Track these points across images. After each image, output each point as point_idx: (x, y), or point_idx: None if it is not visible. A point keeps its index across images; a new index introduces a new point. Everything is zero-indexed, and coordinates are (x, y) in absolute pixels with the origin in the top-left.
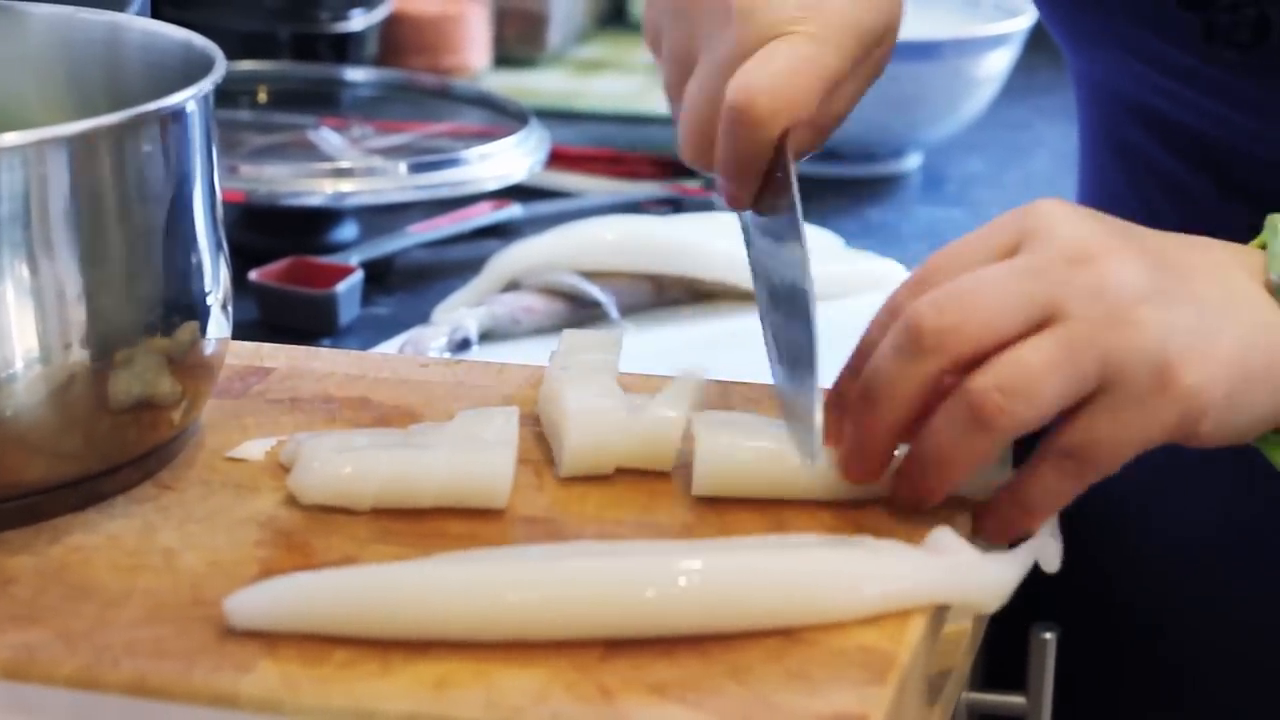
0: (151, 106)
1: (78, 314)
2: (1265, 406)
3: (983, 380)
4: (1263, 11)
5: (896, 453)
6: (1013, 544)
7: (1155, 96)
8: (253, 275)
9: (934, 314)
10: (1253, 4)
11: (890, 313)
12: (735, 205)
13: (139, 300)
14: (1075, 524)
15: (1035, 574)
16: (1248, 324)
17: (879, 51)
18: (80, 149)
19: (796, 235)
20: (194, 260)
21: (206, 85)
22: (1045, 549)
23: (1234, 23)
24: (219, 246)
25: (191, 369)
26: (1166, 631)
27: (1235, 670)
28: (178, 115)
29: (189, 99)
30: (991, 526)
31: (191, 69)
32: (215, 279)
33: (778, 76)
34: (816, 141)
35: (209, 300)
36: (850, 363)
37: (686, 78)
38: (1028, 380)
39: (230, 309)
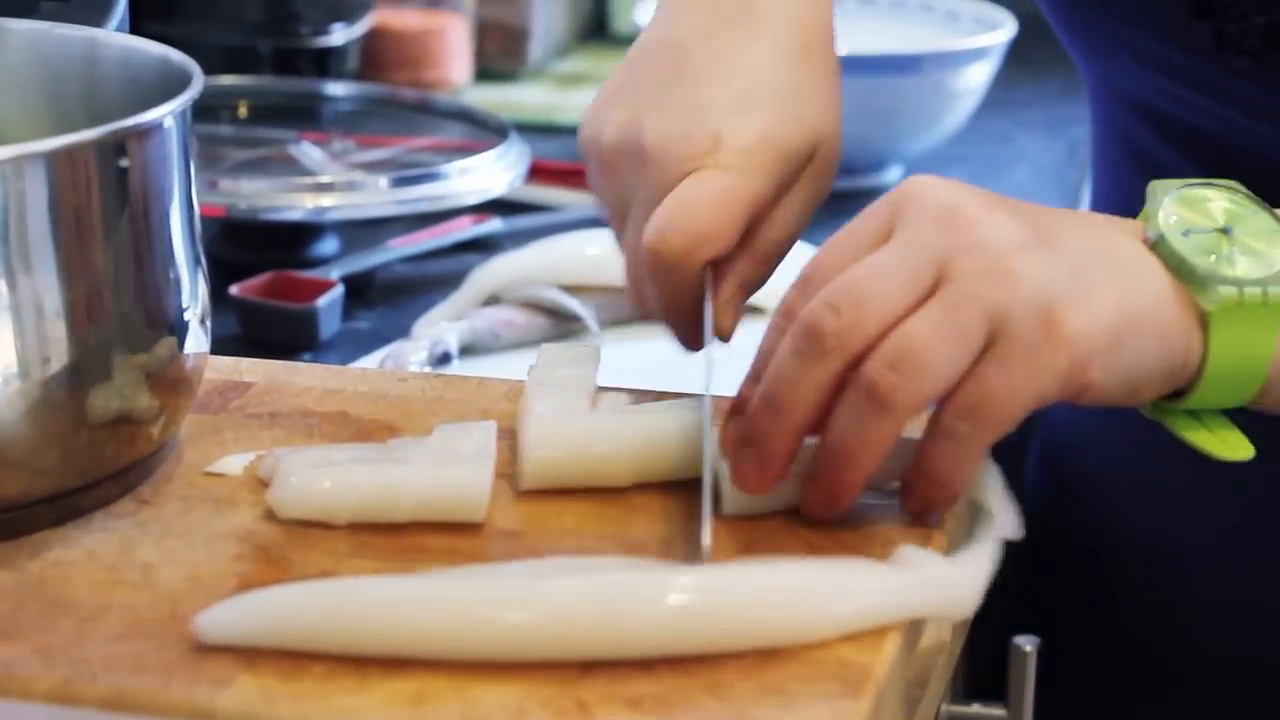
0: (129, 122)
1: (56, 329)
2: (1153, 358)
3: (873, 362)
4: (1272, 19)
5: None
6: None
7: (1168, 103)
8: (233, 290)
9: (830, 314)
10: (1262, 12)
11: (784, 315)
12: (686, 348)
13: (117, 316)
14: (1055, 535)
15: (1016, 585)
16: (1128, 275)
17: (815, 167)
18: (58, 164)
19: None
20: (172, 275)
21: (184, 101)
22: (1003, 524)
23: (1244, 31)
24: (197, 261)
25: (170, 384)
26: (1146, 642)
27: (1216, 680)
28: (155, 131)
29: (166, 115)
30: (913, 506)
31: (169, 84)
32: (194, 294)
33: (687, 211)
34: (762, 272)
35: (187, 315)
36: (750, 371)
37: (623, 227)
38: (916, 351)
39: (209, 324)
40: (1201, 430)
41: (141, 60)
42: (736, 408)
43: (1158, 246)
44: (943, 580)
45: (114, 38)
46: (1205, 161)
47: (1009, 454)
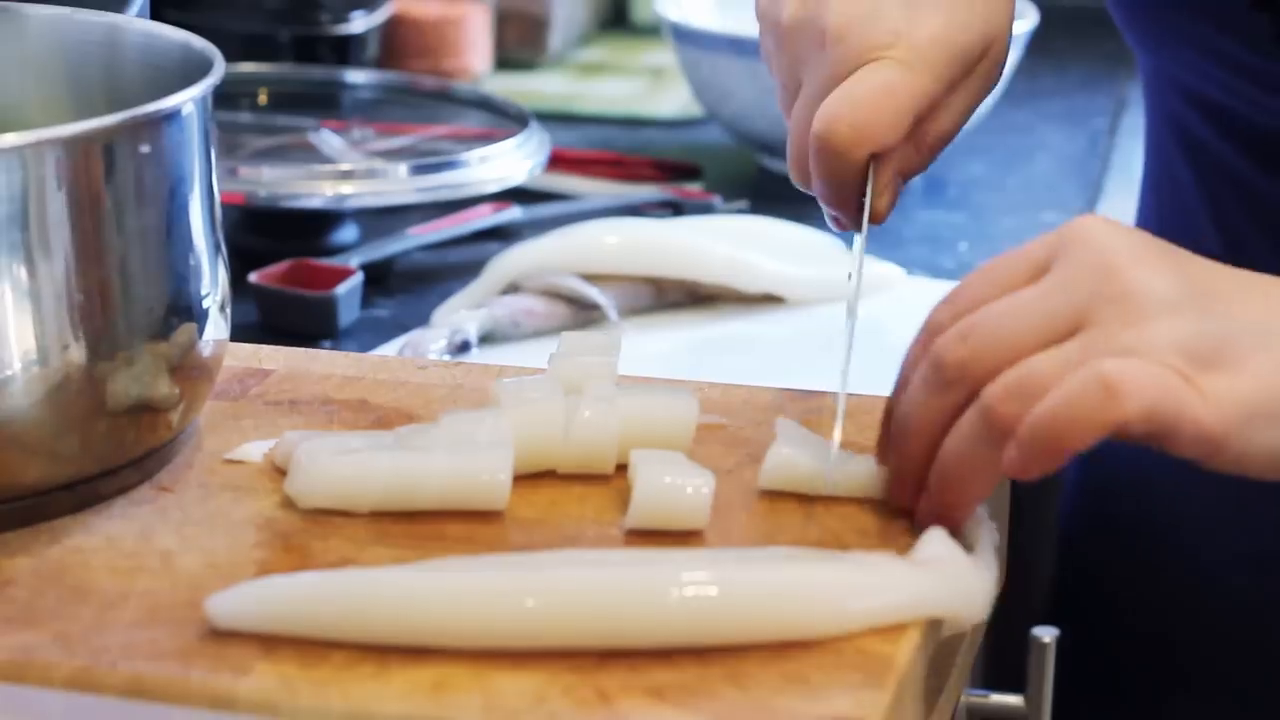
0: (149, 108)
1: (75, 316)
2: None
3: (993, 389)
4: None
5: None
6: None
7: (1225, 95)
8: (252, 277)
9: (959, 344)
10: None
11: (927, 331)
12: (836, 226)
13: (137, 302)
14: (1074, 527)
15: (1035, 577)
16: None
17: (984, 65)
18: (78, 151)
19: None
20: (192, 262)
21: (205, 87)
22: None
23: None
24: (217, 248)
25: (190, 371)
26: (1165, 633)
27: (1234, 673)
28: (175, 117)
29: (187, 101)
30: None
31: (190, 70)
32: (214, 281)
33: (860, 104)
34: (922, 162)
35: (207, 302)
36: (898, 379)
37: (793, 101)
38: (1037, 381)
39: (229, 311)
40: None
41: (162, 46)
42: (886, 415)
43: None
44: (963, 579)
45: (135, 23)
46: (1261, 155)
47: None
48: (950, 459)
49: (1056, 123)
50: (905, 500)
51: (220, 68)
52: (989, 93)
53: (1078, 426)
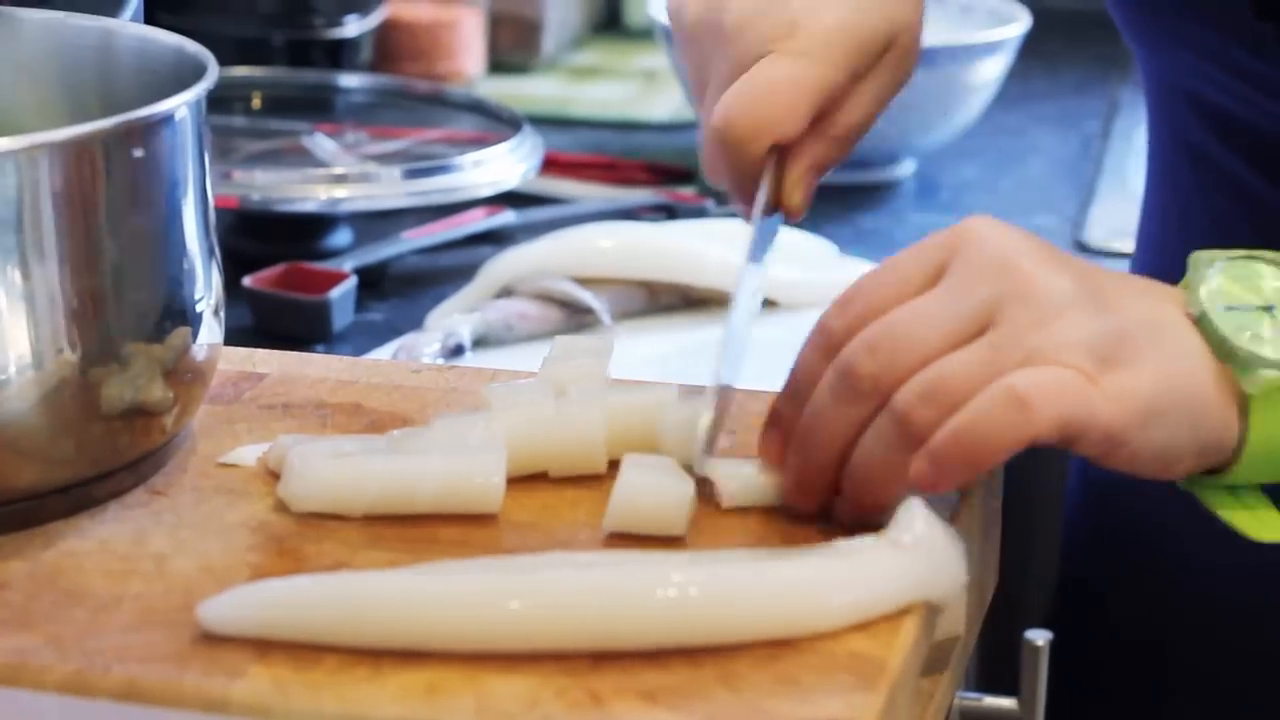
0: (143, 113)
1: (70, 319)
2: (1188, 435)
3: (905, 396)
4: None
5: None
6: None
7: (1228, 100)
8: (246, 281)
9: (868, 356)
10: None
11: (822, 335)
12: (746, 218)
13: (131, 306)
14: (1076, 532)
15: (1028, 579)
16: (1173, 348)
17: (891, 55)
18: (72, 155)
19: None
20: (186, 266)
21: (198, 91)
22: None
23: None
24: (211, 252)
25: (184, 375)
26: (1158, 636)
27: (1227, 677)
28: (169, 121)
29: (181, 105)
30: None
31: (184, 75)
32: (207, 285)
33: (756, 97)
34: (835, 154)
35: (201, 306)
36: (786, 385)
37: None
38: (950, 386)
39: (223, 315)
40: (1238, 508)
41: (156, 50)
42: (772, 419)
43: (1200, 323)
44: (945, 557)
45: (128, 28)
46: (1264, 161)
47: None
48: (863, 465)
49: (1049, 125)
50: (809, 507)
51: (214, 72)
52: (901, 84)
53: (992, 443)
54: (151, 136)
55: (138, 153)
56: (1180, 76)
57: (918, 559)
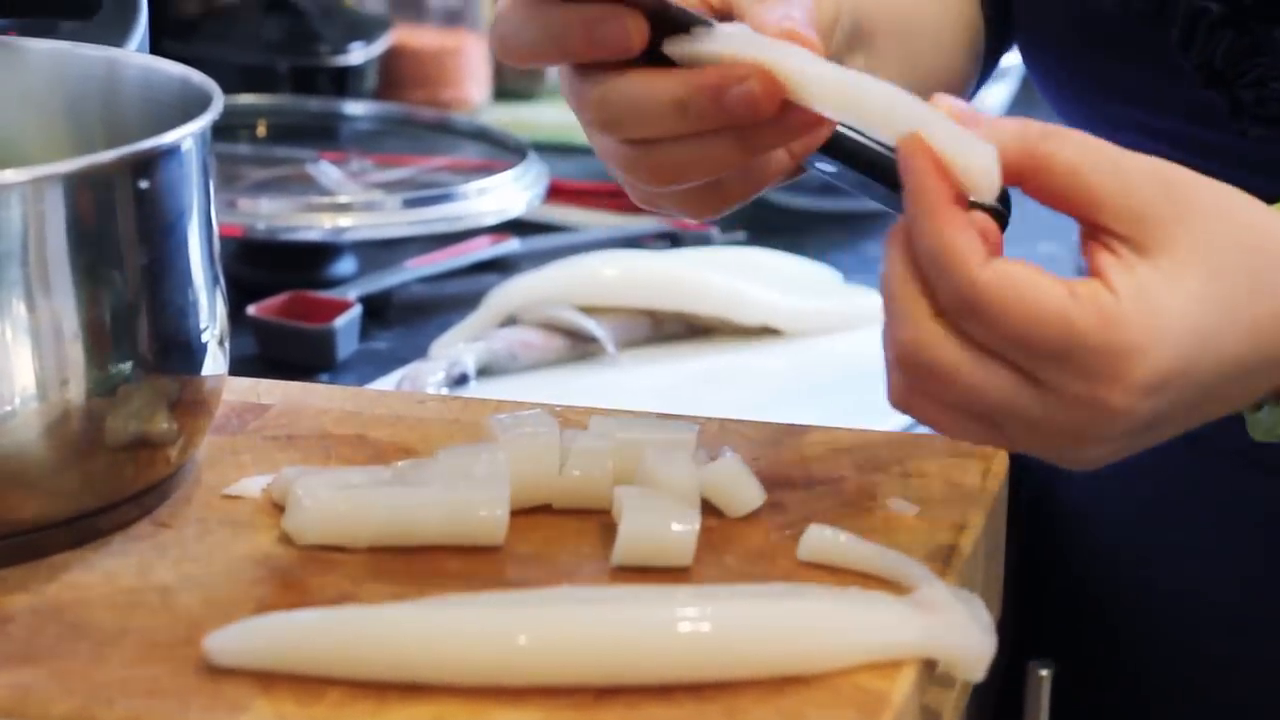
0: (148, 144)
1: (75, 351)
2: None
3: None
4: None
5: None
6: None
7: None
8: (251, 310)
9: (906, 398)
10: None
11: (924, 375)
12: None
13: (136, 338)
14: (1071, 561)
15: (1033, 609)
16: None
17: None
18: (77, 186)
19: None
20: (191, 297)
21: (203, 122)
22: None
23: (1261, 98)
24: (216, 282)
25: (188, 406)
26: (1160, 668)
27: (1227, 707)
28: (175, 152)
29: (186, 136)
30: None
31: (189, 105)
32: (212, 315)
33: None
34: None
35: (205, 337)
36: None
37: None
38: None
39: (227, 345)
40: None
41: (161, 81)
42: None
43: None
44: (962, 626)
45: (134, 58)
46: None
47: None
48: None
49: None
50: None
51: (219, 103)
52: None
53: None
54: (157, 168)
55: (143, 184)
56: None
57: (932, 617)
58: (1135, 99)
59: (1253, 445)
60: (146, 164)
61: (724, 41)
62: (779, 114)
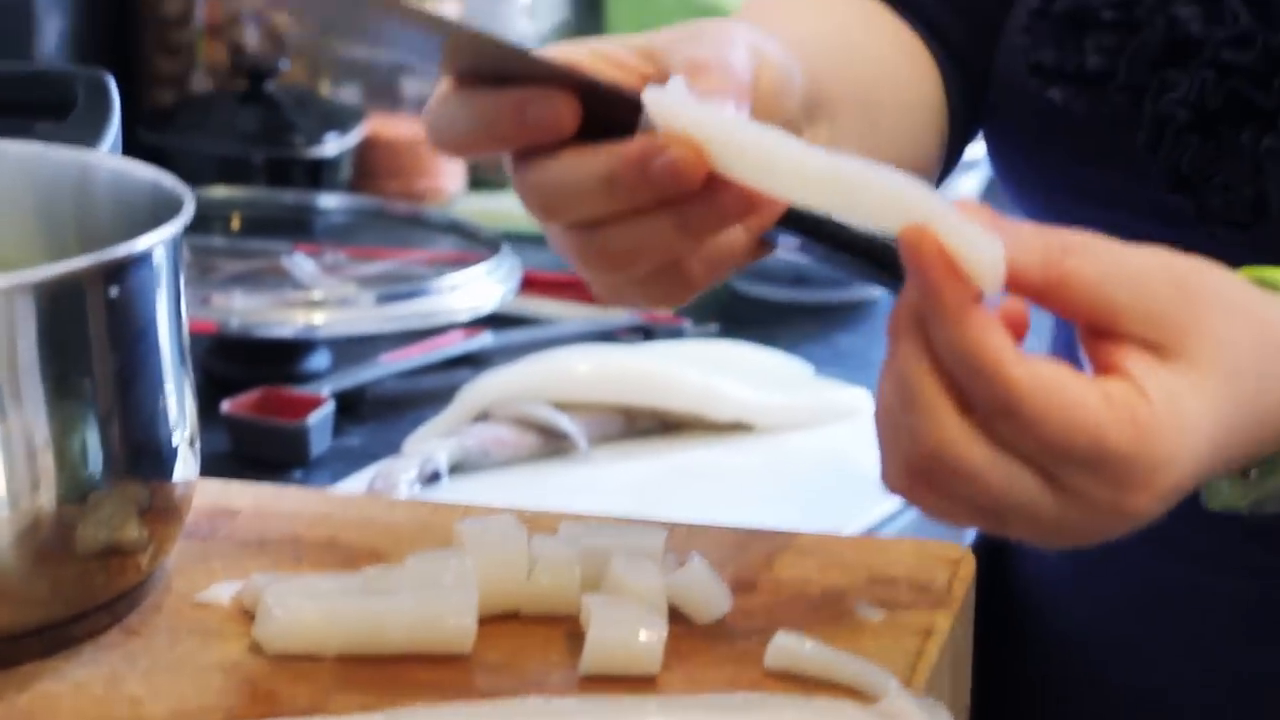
0: (118, 252)
1: (45, 459)
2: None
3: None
4: (1260, 190)
5: None
6: None
7: None
8: (225, 406)
9: (912, 489)
10: (1250, 183)
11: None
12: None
13: (107, 445)
14: (1028, 656)
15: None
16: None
17: None
18: (48, 295)
19: None
20: (161, 404)
21: (174, 229)
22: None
23: (1229, 203)
24: (187, 387)
25: (159, 513)
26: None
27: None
28: (145, 259)
29: (157, 243)
30: None
31: (160, 208)
32: (182, 420)
33: None
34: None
35: (176, 442)
36: None
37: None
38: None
39: (198, 446)
40: None
41: (133, 183)
42: None
43: None
44: None
45: (106, 160)
46: None
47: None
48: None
49: None
50: None
51: (189, 207)
52: None
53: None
54: (127, 275)
55: (114, 292)
56: None
57: None
58: (1103, 200)
59: (1219, 548)
60: (117, 271)
61: (656, 111)
62: (711, 189)
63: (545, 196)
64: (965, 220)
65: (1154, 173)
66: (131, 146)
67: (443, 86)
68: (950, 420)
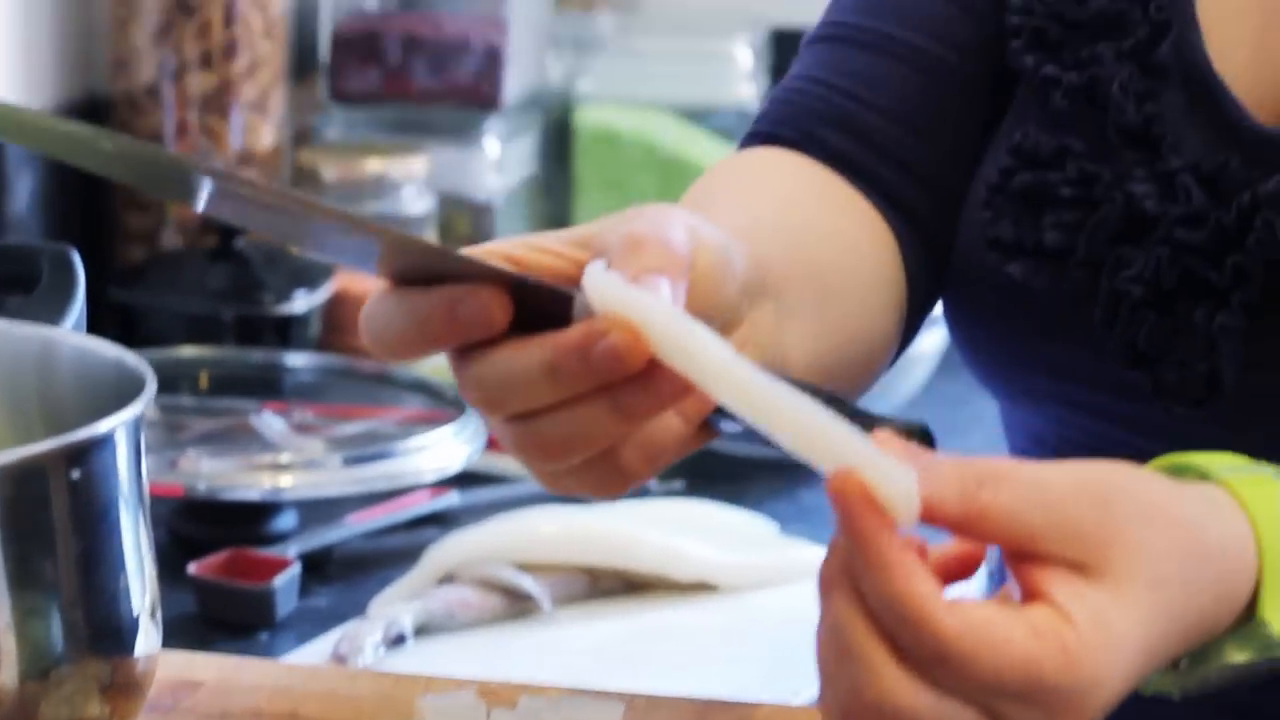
0: (80, 435)
1: (7, 640)
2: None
3: None
4: (1214, 367)
5: None
6: None
7: (1104, 446)
8: (191, 569)
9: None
10: (1204, 359)
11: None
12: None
13: (68, 625)
14: None
15: None
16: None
17: None
18: (10, 478)
19: None
20: (123, 582)
21: (135, 411)
22: None
23: (1184, 379)
24: (149, 561)
25: (121, 688)
26: None
27: None
28: (107, 441)
29: (118, 425)
30: None
31: (123, 387)
32: (144, 594)
33: None
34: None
35: (138, 615)
36: None
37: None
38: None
39: (159, 616)
40: None
41: (96, 362)
42: None
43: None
44: None
45: (70, 338)
46: None
47: None
48: None
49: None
50: None
51: (151, 388)
52: None
53: None
54: (89, 457)
55: (75, 474)
56: (1047, 425)
57: None
58: (1061, 374)
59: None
60: (79, 454)
61: (594, 292)
62: (648, 374)
63: (486, 390)
64: (880, 453)
65: (1111, 348)
66: (102, 306)
67: (378, 289)
68: (888, 669)
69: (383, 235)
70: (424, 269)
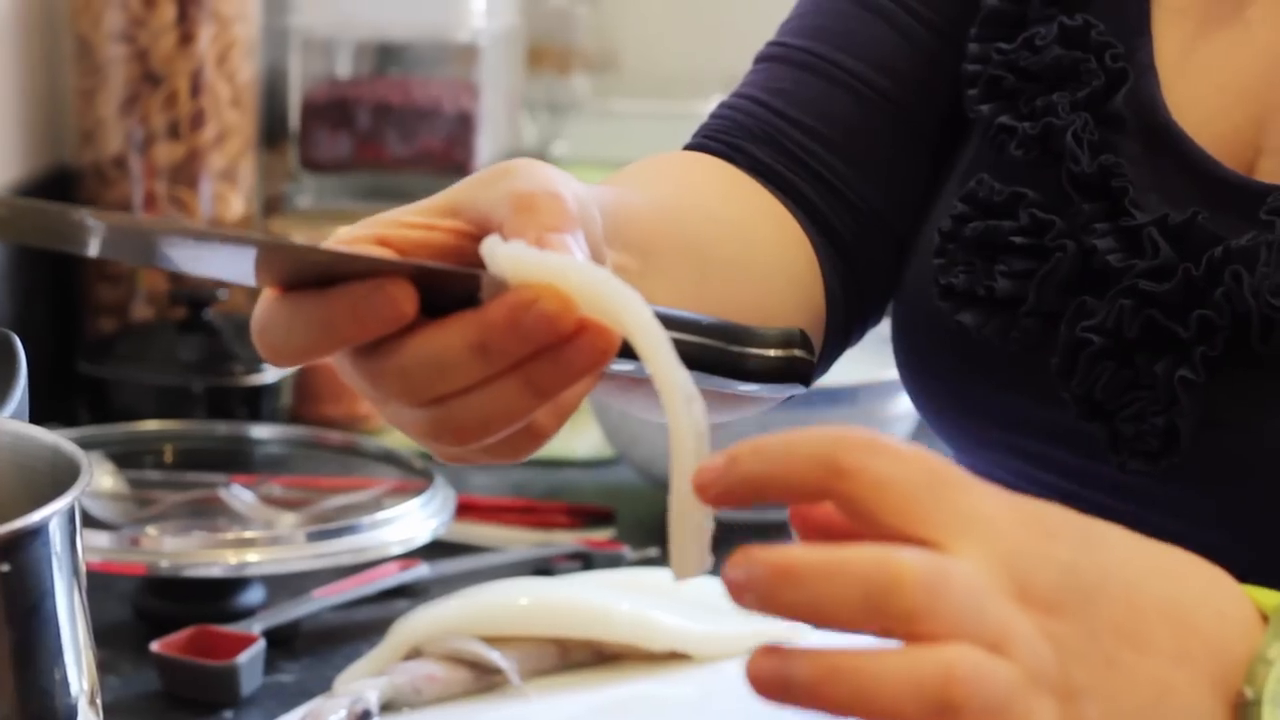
0: (13, 526)
1: None
2: None
3: None
4: (1171, 420)
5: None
6: None
7: (1057, 499)
8: (154, 646)
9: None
10: (1160, 412)
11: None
12: None
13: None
14: None
15: None
16: None
17: None
18: None
19: None
20: (59, 675)
21: (68, 500)
22: None
23: (1140, 433)
24: (87, 652)
25: None
26: None
27: None
28: (40, 532)
29: (51, 515)
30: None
31: (60, 474)
32: (82, 685)
33: None
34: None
35: (75, 703)
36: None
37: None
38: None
39: (100, 702)
40: None
41: (32, 449)
42: None
43: (1249, 711)
44: None
45: (6, 425)
46: None
47: None
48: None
49: None
50: None
51: (86, 477)
52: None
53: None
54: (20, 549)
55: (5, 567)
56: (1003, 478)
57: None
58: (1014, 425)
59: None
60: (10, 546)
61: (510, 265)
62: (557, 348)
63: (411, 379)
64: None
65: (1066, 399)
66: (73, 380)
67: (265, 298)
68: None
69: (264, 244)
70: (311, 272)
